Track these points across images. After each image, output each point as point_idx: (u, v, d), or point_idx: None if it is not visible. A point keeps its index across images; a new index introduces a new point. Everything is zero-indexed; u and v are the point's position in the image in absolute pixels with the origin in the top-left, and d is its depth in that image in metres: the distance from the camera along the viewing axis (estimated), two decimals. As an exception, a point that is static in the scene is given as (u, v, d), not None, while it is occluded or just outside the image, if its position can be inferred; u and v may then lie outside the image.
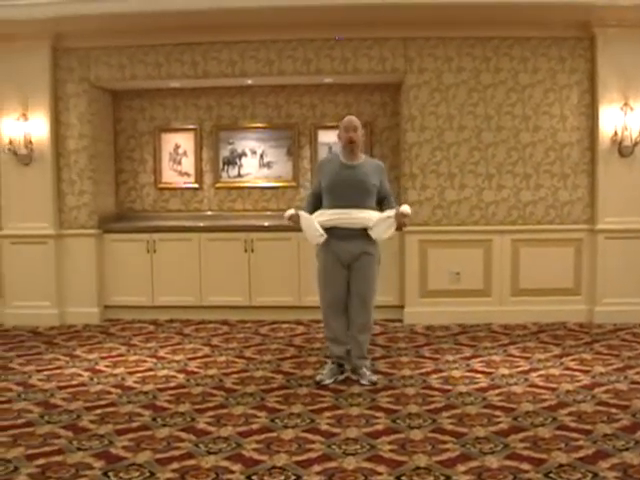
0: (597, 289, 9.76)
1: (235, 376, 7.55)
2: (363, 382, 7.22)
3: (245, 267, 10.17)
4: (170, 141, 11.14)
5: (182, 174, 11.16)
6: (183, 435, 5.90)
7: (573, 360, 7.98)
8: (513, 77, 9.79)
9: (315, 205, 7.37)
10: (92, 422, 6.23)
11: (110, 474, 5.13)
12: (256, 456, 5.44)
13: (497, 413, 6.30)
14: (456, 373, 7.57)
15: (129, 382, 7.43)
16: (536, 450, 5.44)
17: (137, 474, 5.13)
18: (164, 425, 6.14)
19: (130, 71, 10.10)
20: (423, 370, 7.71)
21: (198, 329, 9.76)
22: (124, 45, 10.03)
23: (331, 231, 7.18)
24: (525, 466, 5.14)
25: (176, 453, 5.52)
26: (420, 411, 6.40)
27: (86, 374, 7.74)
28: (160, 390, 7.14)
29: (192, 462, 5.34)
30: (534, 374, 7.47)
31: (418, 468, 5.16)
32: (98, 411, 6.52)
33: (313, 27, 9.67)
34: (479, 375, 7.48)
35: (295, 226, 7.34)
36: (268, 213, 10.82)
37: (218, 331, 9.62)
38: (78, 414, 6.45)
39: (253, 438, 5.81)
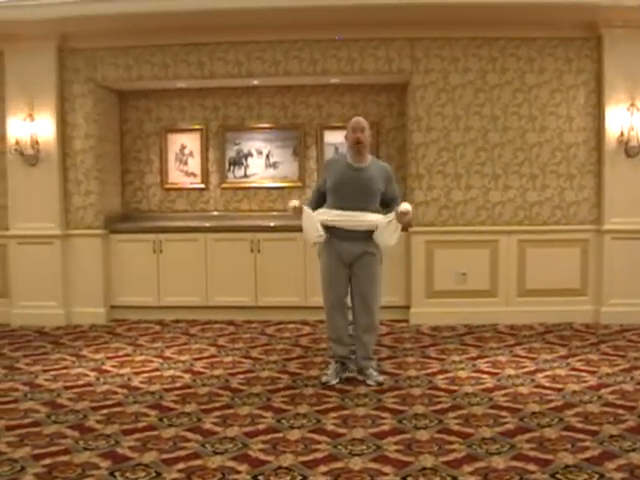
0: (603, 290, 9.75)
1: (241, 376, 7.56)
2: (369, 382, 7.22)
3: (251, 267, 10.17)
4: (176, 141, 11.16)
5: (188, 174, 11.17)
6: (189, 435, 5.90)
7: (579, 361, 7.97)
8: (519, 77, 9.78)
9: (318, 202, 7.38)
10: (98, 422, 6.24)
11: (116, 474, 5.13)
12: (262, 456, 5.44)
13: (503, 414, 6.29)
14: (462, 374, 7.56)
15: (135, 382, 7.43)
16: (542, 451, 5.43)
17: (143, 474, 5.13)
18: (170, 425, 6.14)
19: (136, 71, 10.11)
20: (429, 370, 7.70)
21: (204, 329, 9.76)
22: (130, 45, 10.05)
23: (333, 231, 7.20)
24: (531, 467, 5.13)
25: (182, 453, 5.52)
26: (426, 411, 6.40)
27: (92, 374, 7.75)
28: (166, 390, 7.14)
29: (198, 462, 5.34)
30: (540, 375, 7.46)
31: (424, 469, 5.15)
32: (104, 411, 6.53)
33: (319, 28, 9.67)
34: (485, 376, 7.47)
35: (295, 218, 7.35)
36: (274, 213, 10.83)
37: (224, 331, 9.62)
38: (84, 414, 6.45)
39: (259, 438, 5.81)
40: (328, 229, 7.21)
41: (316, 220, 7.21)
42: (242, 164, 11.07)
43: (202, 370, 7.86)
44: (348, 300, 7.43)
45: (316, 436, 5.85)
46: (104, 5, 9.28)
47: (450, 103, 9.84)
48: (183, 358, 8.37)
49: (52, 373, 7.81)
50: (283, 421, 6.21)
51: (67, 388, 7.25)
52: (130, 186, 11.25)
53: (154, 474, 5.13)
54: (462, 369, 7.74)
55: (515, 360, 8.05)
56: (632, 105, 9.53)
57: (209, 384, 7.32)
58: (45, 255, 10.11)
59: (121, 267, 10.38)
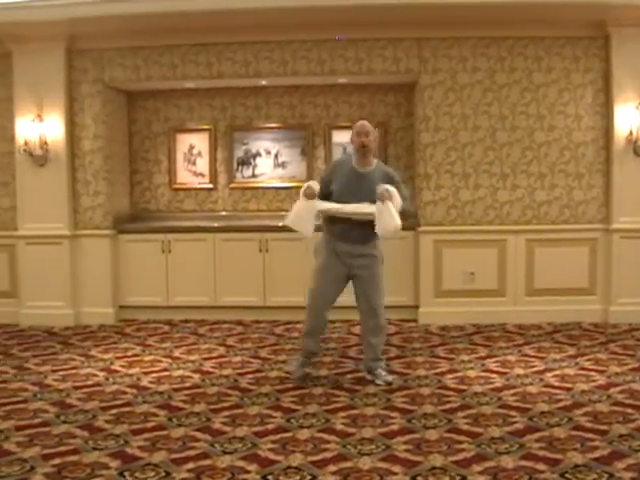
0: (612, 289, 9.74)
1: (250, 376, 7.56)
2: (378, 382, 7.22)
3: (260, 267, 10.18)
4: (185, 141, 11.17)
5: (196, 174, 11.18)
6: (198, 435, 5.91)
7: (588, 360, 7.96)
8: (527, 77, 9.77)
9: (324, 196, 7.34)
10: (108, 422, 6.25)
11: (126, 474, 5.15)
12: (272, 456, 5.44)
13: (512, 413, 6.29)
14: (471, 373, 7.56)
15: (144, 382, 7.45)
16: (552, 450, 5.43)
17: (153, 474, 5.14)
18: (179, 425, 6.15)
19: (145, 72, 10.12)
20: (438, 370, 7.70)
21: (213, 329, 9.77)
22: (139, 46, 10.06)
23: (333, 232, 7.23)
24: (541, 466, 5.13)
25: (192, 453, 5.53)
26: (435, 411, 6.40)
27: (101, 374, 7.77)
28: (175, 390, 7.15)
29: (208, 462, 5.35)
30: (549, 374, 7.45)
31: (434, 468, 5.15)
32: (114, 411, 6.54)
33: (327, 28, 9.67)
34: (494, 375, 7.47)
35: (305, 196, 7.17)
36: (282, 213, 10.72)
37: (233, 331, 9.63)
38: (94, 414, 6.47)
39: (268, 438, 5.82)
40: (330, 231, 7.25)
41: (313, 215, 7.17)
42: (250, 164, 11.08)
43: (211, 370, 7.88)
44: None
45: (325, 436, 5.85)
46: (112, 6, 9.27)
47: (458, 103, 9.83)
48: (192, 358, 8.38)
49: (61, 373, 7.82)
50: (292, 421, 6.22)
51: (76, 388, 7.26)
52: (138, 186, 11.27)
53: (163, 474, 5.14)
54: (471, 368, 7.73)
55: (524, 359, 8.04)
56: (640, 104, 9.54)
57: (218, 384, 7.33)
58: (54, 255, 10.13)
59: (130, 267, 10.40)
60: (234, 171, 11.12)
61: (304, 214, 7.21)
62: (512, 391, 6.91)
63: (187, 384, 7.36)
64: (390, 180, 7.23)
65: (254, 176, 11.09)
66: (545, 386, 7.06)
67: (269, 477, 5.06)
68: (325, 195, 7.24)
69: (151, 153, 11.22)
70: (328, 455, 5.45)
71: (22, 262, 10.22)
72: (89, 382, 7.47)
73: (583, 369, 7.62)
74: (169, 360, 8.31)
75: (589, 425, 5.96)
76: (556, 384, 7.11)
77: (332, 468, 5.20)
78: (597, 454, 5.34)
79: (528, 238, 9.82)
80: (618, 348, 8.45)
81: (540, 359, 8.04)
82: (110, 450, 5.61)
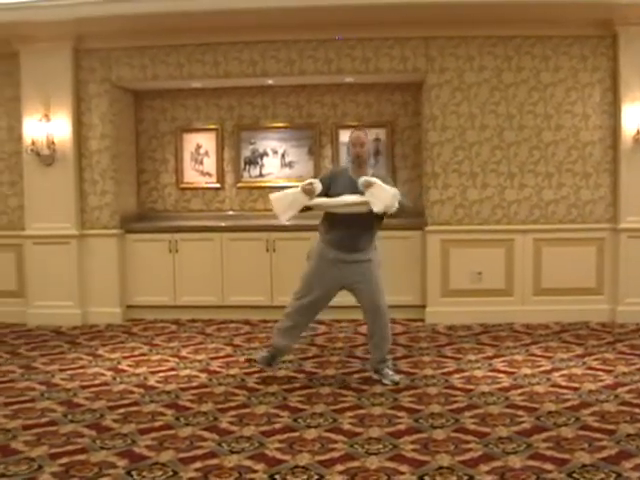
0: (619, 288, 9.72)
1: (257, 375, 7.56)
2: (385, 382, 7.22)
3: (267, 267, 10.18)
4: (192, 141, 11.18)
5: (204, 174, 11.19)
6: (206, 434, 5.92)
7: (596, 360, 7.95)
8: (535, 76, 9.76)
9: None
10: (115, 421, 6.26)
11: (133, 473, 5.15)
12: (279, 455, 5.45)
13: (520, 413, 6.28)
14: (478, 373, 7.55)
15: (152, 381, 7.45)
16: (559, 450, 5.42)
17: (160, 473, 5.14)
18: (187, 424, 6.16)
19: (152, 71, 10.13)
20: (445, 370, 7.70)
21: (220, 329, 9.78)
22: (145, 45, 10.08)
23: (331, 240, 7.23)
24: (548, 466, 5.12)
25: (199, 452, 5.53)
26: (442, 411, 6.39)
27: (109, 373, 7.78)
28: (182, 389, 7.16)
29: (215, 461, 5.35)
30: (556, 374, 7.44)
31: (441, 468, 5.15)
32: (121, 410, 6.55)
33: (334, 27, 9.66)
34: (501, 375, 7.46)
35: (304, 191, 7.13)
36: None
37: (240, 331, 9.63)
38: (101, 413, 6.48)
39: (276, 437, 5.82)
40: (327, 238, 7.28)
41: (298, 208, 7.17)
42: (257, 163, 11.09)
43: (218, 369, 7.88)
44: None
45: (332, 435, 5.85)
46: (119, 6, 9.27)
47: (465, 102, 9.83)
48: (199, 357, 8.39)
49: (69, 372, 7.84)
50: (299, 420, 6.22)
51: (84, 387, 7.28)
52: (146, 186, 11.28)
53: (171, 473, 5.14)
54: (478, 368, 7.73)
55: (531, 359, 8.03)
56: (648, 103, 9.52)
57: (225, 383, 7.34)
58: (61, 255, 10.15)
59: (137, 267, 10.41)
60: (241, 170, 11.12)
61: (291, 201, 7.20)
62: (519, 391, 6.90)
63: (194, 383, 7.37)
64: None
65: (261, 176, 11.10)
66: (552, 386, 7.05)
67: (276, 476, 5.06)
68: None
69: (158, 153, 11.23)
70: (335, 455, 5.44)
71: (29, 262, 10.24)
72: (96, 381, 7.48)
73: (590, 369, 7.61)
74: (176, 359, 8.32)
75: (597, 425, 5.95)
76: (563, 384, 7.10)
77: (339, 468, 5.19)
78: (605, 454, 5.33)
79: (535, 237, 9.81)
80: (625, 348, 8.44)
81: (547, 359, 8.03)
82: (117, 449, 5.61)
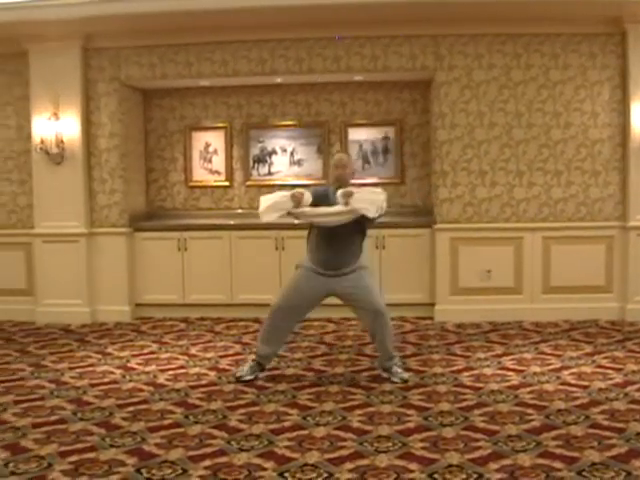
0: (629, 286, 9.70)
1: (266, 373, 7.54)
2: (394, 380, 7.21)
3: (276, 265, 10.18)
4: (200, 139, 11.19)
5: (212, 172, 11.20)
6: (215, 432, 5.92)
7: (605, 358, 7.93)
8: (544, 74, 9.74)
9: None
10: (124, 419, 6.26)
11: (143, 471, 5.15)
12: (288, 453, 5.44)
13: (529, 411, 6.27)
14: (487, 371, 7.55)
15: (161, 380, 7.46)
16: (569, 448, 5.40)
17: (169, 471, 5.14)
18: (196, 422, 6.16)
19: (160, 70, 10.15)
20: (454, 368, 7.69)
21: (229, 327, 9.79)
22: (154, 44, 10.09)
23: (318, 260, 7.28)
24: (558, 464, 5.11)
25: (208, 450, 5.53)
26: (452, 409, 6.39)
27: (118, 372, 7.79)
28: (192, 388, 7.16)
29: (224, 459, 5.35)
30: (566, 372, 7.43)
31: (450, 466, 5.14)
32: (130, 408, 6.56)
33: (343, 25, 9.66)
34: (510, 373, 7.45)
35: (292, 197, 7.15)
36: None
37: (249, 329, 9.64)
38: (110, 411, 6.48)
39: (285, 435, 5.82)
40: (312, 259, 7.33)
41: (281, 212, 7.19)
42: (266, 162, 11.09)
43: (227, 367, 7.88)
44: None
45: (342, 433, 5.85)
46: (128, 4, 9.29)
47: (474, 100, 9.82)
48: (208, 355, 8.40)
49: (78, 371, 7.85)
50: (309, 418, 6.22)
51: (93, 385, 7.28)
52: (154, 184, 11.30)
53: (180, 471, 5.14)
54: (487, 366, 7.72)
55: (540, 357, 8.02)
56: (658, 101, 9.50)
57: (234, 381, 7.33)
58: (70, 253, 10.17)
59: (146, 265, 10.43)
60: (250, 169, 11.13)
61: (276, 203, 7.22)
62: (529, 389, 6.89)
63: (203, 382, 7.38)
64: None
65: (270, 174, 11.10)
66: (562, 384, 7.03)
67: (286, 474, 5.06)
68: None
69: (167, 151, 11.25)
70: (344, 453, 5.44)
71: (39, 260, 10.27)
72: (106, 379, 7.49)
73: (600, 367, 7.59)
74: (185, 358, 8.33)
75: (606, 423, 5.93)
76: (573, 382, 7.09)
77: (349, 465, 5.19)
78: (614, 452, 5.31)
79: (544, 236, 9.80)
80: (635, 346, 8.42)
81: (557, 357, 8.02)
82: (127, 447, 5.62)
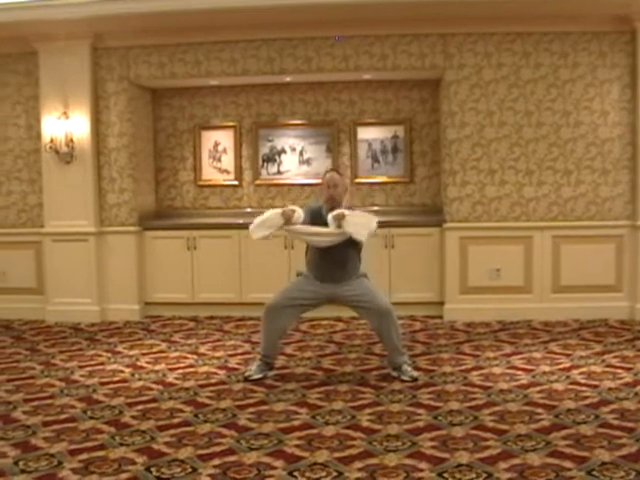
0: (639, 286, 9.67)
1: (275, 372, 7.55)
2: (404, 378, 7.21)
3: (285, 264, 10.17)
4: (210, 138, 11.20)
5: (222, 171, 11.21)
6: (224, 431, 5.92)
7: (615, 357, 7.92)
8: (553, 72, 9.73)
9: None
10: (134, 418, 6.27)
11: (152, 469, 5.16)
12: (297, 452, 5.44)
13: (538, 410, 6.26)
14: (497, 370, 7.53)
15: (170, 378, 7.47)
16: (578, 448, 5.39)
17: (179, 470, 5.15)
18: (205, 421, 6.16)
19: (169, 69, 10.16)
20: (464, 367, 7.68)
21: (238, 326, 9.80)
22: (163, 44, 10.10)
23: (317, 274, 7.37)
24: (567, 464, 5.10)
25: (217, 449, 5.54)
26: (461, 408, 6.38)
27: (127, 370, 7.80)
28: (201, 386, 7.17)
29: (234, 458, 5.35)
30: (575, 371, 7.42)
31: (460, 465, 5.13)
32: (140, 407, 6.57)
33: (352, 24, 9.66)
34: (520, 372, 7.44)
35: (283, 214, 7.19)
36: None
37: (258, 328, 9.53)
38: (120, 410, 6.49)
39: (294, 434, 5.82)
40: (311, 272, 7.43)
41: (272, 229, 7.28)
42: (275, 161, 11.09)
43: (236, 366, 7.89)
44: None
45: (351, 432, 5.85)
46: (137, 4, 9.32)
47: (484, 98, 9.80)
48: (217, 354, 8.41)
49: (88, 369, 7.87)
50: (318, 417, 6.22)
51: (102, 384, 7.30)
52: (164, 183, 11.31)
53: (190, 470, 5.15)
54: (497, 365, 7.71)
55: (550, 357, 8.01)
56: (668, 100, 9.47)
57: (243, 380, 7.33)
58: (80, 252, 10.19)
59: (155, 264, 10.45)
60: (259, 168, 11.13)
61: (267, 220, 7.30)
62: (538, 388, 6.88)
63: (213, 380, 7.38)
64: None
65: (279, 173, 11.10)
66: (571, 383, 7.02)
67: (295, 473, 5.06)
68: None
69: (176, 150, 11.26)
70: (354, 452, 5.44)
71: (48, 259, 10.30)
72: (115, 378, 7.51)
73: (609, 366, 7.58)
74: (195, 356, 8.34)
75: (616, 423, 5.91)
76: (582, 381, 7.07)
77: (358, 465, 5.19)
78: (624, 452, 5.29)
79: (554, 235, 9.78)
80: (645, 345, 8.42)
81: (566, 356, 8.01)
82: (136, 446, 5.62)
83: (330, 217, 7.06)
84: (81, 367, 7.95)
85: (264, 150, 11.12)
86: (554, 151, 9.75)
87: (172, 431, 5.94)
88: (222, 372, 7.68)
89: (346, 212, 7.03)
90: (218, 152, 11.19)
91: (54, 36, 9.86)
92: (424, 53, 9.81)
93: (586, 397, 6.58)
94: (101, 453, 5.48)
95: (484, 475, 4.96)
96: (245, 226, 10.06)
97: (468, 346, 8.56)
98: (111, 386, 7.23)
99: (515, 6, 9.26)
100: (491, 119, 9.80)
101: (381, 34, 9.80)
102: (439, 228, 9.97)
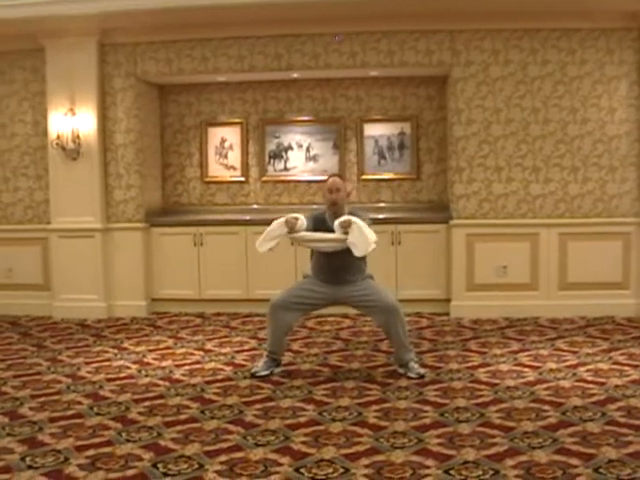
0: (646, 283, 9.69)
1: (282, 369, 7.55)
2: (410, 375, 7.21)
3: (292, 260, 10.16)
4: (216, 135, 11.20)
5: (228, 168, 11.20)
6: (231, 427, 5.93)
7: (622, 354, 7.90)
8: (561, 69, 9.70)
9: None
10: (141, 414, 6.29)
11: (159, 466, 5.17)
12: (304, 449, 5.45)
13: (545, 407, 6.25)
14: (503, 367, 7.53)
15: (177, 375, 7.48)
16: (585, 445, 5.38)
17: (186, 466, 5.15)
18: (212, 417, 6.17)
19: (177, 65, 10.16)
20: (470, 364, 7.68)
21: (245, 322, 9.80)
22: (170, 40, 10.10)
23: (321, 277, 7.42)
24: (574, 461, 5.09)
25: (224, 445, 5.54)
26: (468, 405, 6.38)
27: (134, 366, 7.81)
28: (208, 383, 7.18)
29: (240, 454, 5.36)
30: (582, 368, 7.41)
31: (466, 462, 5.13)
32: (146, 403, 6.58)
33: (359, 20, 9.66)
34: (527, 369, 7.43)
35: (287, 223, 7.24)
36: (314, 207, 10.80)
37: (265, 324, 9.57)
38: (127, 406, 6.50)
39: (301, 431, 5.82)
40: (316, 275, 7.47)
41: (275, 240, 7.35)
42: (282, 157, 11.09)
43: (243, 363, 7.90)
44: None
45: (358, 429, 5.85)
46: (144, 0, 9.32)
47: (490, 95, 9.79)
48: (224, 351, 8.41)
49: (94, 365, 7.88)
50: (325, 414, 6.22)
51: (109, 380, 7.31)
52: (170, 180, 11.31)
53: (196, 466, 5.15)
54: (503, 362, 7.70)
55: (557, 354, 8.00)
56: (675, 96, 9.45)
57: (250, 377, 7.34)
58: (86, 248, 10.20)
59: (162, 260, 10.46)
60: (266, 164, 11.13)
61: (271, 232, 7.37)
62: (545, 385, 6.88)
63: (219, 377, 7.39)
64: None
65: (286, 169, 11.10)
66: (578, 380, 7.01)
67: (302, 470, 5.06)
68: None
69: (183, 146, 11.26)
70: (361, 448, 5.44)
71: (55, 255, 10.31)
72: (122, 374, 7.52)
73: (616, 363, 7.57)
74: (201, 353, 8.35)
75: (623, 420, 5.91)
76: (589, 378, 7.06)
77: (365, 461, 5.19)
78: (631, 449, 5.29)
79: (561, 232, 9.77)
80: (652, 342, 8.41)
81: (573, 353, 8.00)
82: (143, 442, 5.63)
83: (336, 224, 7.07)
84: (88, 363, 7.96)
85: (271, 147, 11.12)
86: (561, 148, 9.74)
87: (179, 427, 5.95)
88: (229, 368, 7.69)
89: (352, 219, 7.03)
90: (225, 148, 11.19)
91: (61, 32, 9.86)
92: (431, 50, 9.80)
93: (593, 394, 6.58)
94: (108, 449, 5.49)
95: (491, 472, 4.95)
96: (252, 222, 10.24)
97: (475, 343, 8.55)
98: (118, 382, 7.24)
99: (523, 2, 9.26)
100: (498, 116, 9.79)
101: (388, 31, 9.79)
102: (445, 225, 9.96)
